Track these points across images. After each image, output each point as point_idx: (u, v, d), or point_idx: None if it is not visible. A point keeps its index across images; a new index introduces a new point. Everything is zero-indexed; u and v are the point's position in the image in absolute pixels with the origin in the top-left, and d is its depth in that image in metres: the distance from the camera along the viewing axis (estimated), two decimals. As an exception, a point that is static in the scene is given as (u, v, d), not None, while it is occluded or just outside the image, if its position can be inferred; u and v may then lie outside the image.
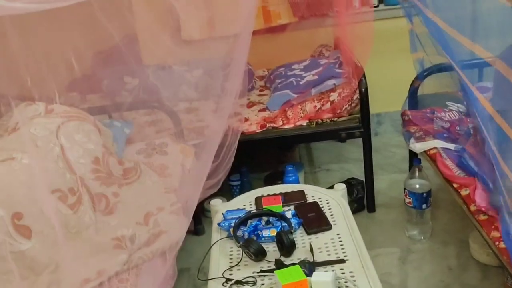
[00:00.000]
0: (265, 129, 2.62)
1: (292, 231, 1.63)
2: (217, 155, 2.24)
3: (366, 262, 1.50)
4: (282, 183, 2.70)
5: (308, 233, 1.66)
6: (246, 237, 1.63)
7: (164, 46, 2.92)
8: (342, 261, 1.52)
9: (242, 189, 2.85)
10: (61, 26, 2.45)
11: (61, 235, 1.60)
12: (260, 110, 2.77)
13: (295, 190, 1.94)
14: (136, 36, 2.93)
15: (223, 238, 1.69)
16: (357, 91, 2.56)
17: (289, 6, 3.26)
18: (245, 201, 1.92)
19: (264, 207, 1.80)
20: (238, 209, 1.82)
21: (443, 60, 1.95)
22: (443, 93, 2.44)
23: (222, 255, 1.62)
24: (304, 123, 2.63)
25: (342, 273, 1.46)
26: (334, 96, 2.61)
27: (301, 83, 2.73)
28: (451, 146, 2.11)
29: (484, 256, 2.14)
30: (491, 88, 1.83)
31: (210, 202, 1.94)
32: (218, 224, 1.74)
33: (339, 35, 3.11)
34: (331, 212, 1.78)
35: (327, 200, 1.86)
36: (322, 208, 1.80)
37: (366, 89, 2.51)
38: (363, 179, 2.76)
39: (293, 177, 2.65)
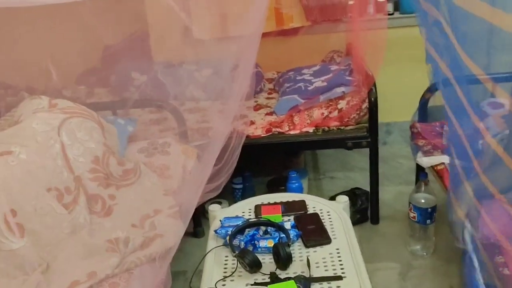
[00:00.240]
0: (270, 133, 2.58)
1: (290, 243, 1.59)
2: (220, 158, 2.20)
3: (364, 281, 1.46)
4: (285, 189, 2.67)
5: (307, 246, 1.62)
6: (242, 246, 1.59)
7: (174, 44, 2.89)
8: (339, 278, 1.47)
9: (244, 193, 2.82)
10: (74, 18, 2.43)
11: (54, 236, 1.58)
12: (266, 114, 2.72)
13: (296, 199, 1.89)
14: (147, 32, 2.91)
15: (218, 246, 1.65)
16: (366, 100, 2.51)
17: (302, 10, 3.21)
18: (244, 208, 1.88)
19: (263, 216, 1.76)
20: (237, 217, 1.78)
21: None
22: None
23: (217, 264, 1.58)
24: (311, 130, 2.58)
25: (339, 291, 1.41)
26: (342, 104, 2.56)
27: (309, 88, 2.69)
28: None
29: (487, 277, 2.08)
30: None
31: (209, 207, 1.91)
32: (215, 231, 1.70)
33: (351, 41, 3.06)
34: (331, 225, 1.73)
35: (328, 212, 1.81)
36: (323, 220, 1.75)
37: (376, 98, 2.46)
38: (368, 189, 2.71)
39: (296, 184, 2.61)
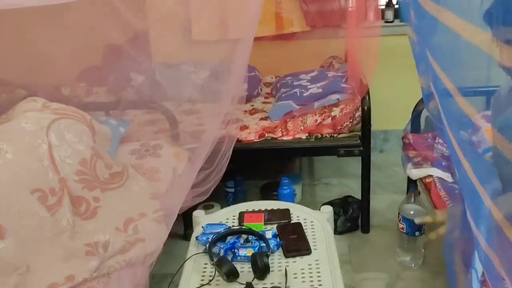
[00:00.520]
0: (263, 139, 2.58)
1: (269, 253, 1.59)
2: (211, 162, 2.20)
3: (340, 295, 1.45)
4: (278, 194, 2.67)
5: (286, 256, 1.62)
6: (222, 254, 1.59)
7: (174, 45, 2.90)
8: (315, 290, 1.47)
9: (236, 198, 2.82)
10: (75, 16, 2.43)
11: (36, 238, 1.58)
12: (261, 119, 2.72)
13: (280, 208, 1.89)
14: (146, 32, 2.92)
15: (198, 253, 1.65)
16: (360, 109, 2.50)
17: (302, 15, 3.21)
18: (228, 215, 1.88)
19: (245, 224, 1.75)
20: (220, 224, 1.78)
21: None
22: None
23: (195, 271, 1.58)
24: (304, 136, 2.57)
25: (313, 304, 1.41)
26: (336, 111, 2.55)
27: (304, 95, 2.68)
28: (447, 176, 2.04)
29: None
30: None
31: (193, 213, 1.91)
32: (196, 238, 1.70)
33: (349, 48, 3.05)
34: (313, 235, 1.73)
35: (311, 222, 1.80)
36: (305, 230, 1.74)
37: (369, 107, 2.45)
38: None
39: (288, 190, 2.61)
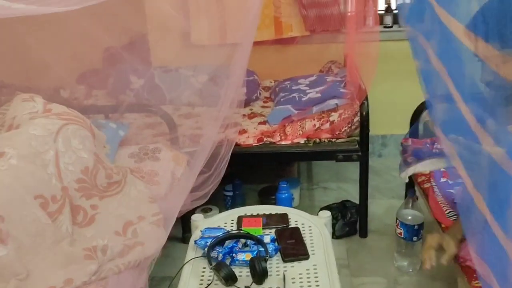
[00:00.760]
0: (261, 143, 2.58)
1: (267, 258, 1.59)
2: (209, 166, 2.21)
3: (337, 300, 1.46)
4: (276, 198, 2.67)
5: (284, 261, 1.62)
6: (220, 258, 1.60)
7: (173, 49, 2.90)
8: (313, 294, 1.47)
9: (234, 201, 2.82)
10: (74, 18, 2.44)
11: (37, 245, 1.58)
12: (260, 123, 2.73)
13: (278, 212, 1.89)
14: (146, 36, 2.93)
15: (197, 257, 1.65)
16: (358, 114, 2.51)
17: (301, 19, 3.22)
18: (227, 219, 1.89)
19: (243, 228, 1.76)
20: (218, 228, 1.78)
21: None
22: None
23: (193, 275, 1.59)
24: (302, 141, 2.58)
25: (311, 309, 1.41)
26: (334, 116, 2.56)
27: (303, 99, 2.69)
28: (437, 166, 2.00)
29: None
30: None
31: (192, 217, 1.91)
32: (195, 242, 1.71)
33: (347, 53, 3.06)
34: (311, 240, 1.73)
35: (309, 226, 1.81)
36: (303, 235, 1.75)
37: (368, 112, 2.46)
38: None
39: (286, 194, 2.62)
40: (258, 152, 2.57)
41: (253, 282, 1.51)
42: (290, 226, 1.81)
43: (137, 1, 2.87)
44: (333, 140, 2.56)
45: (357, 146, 2.53)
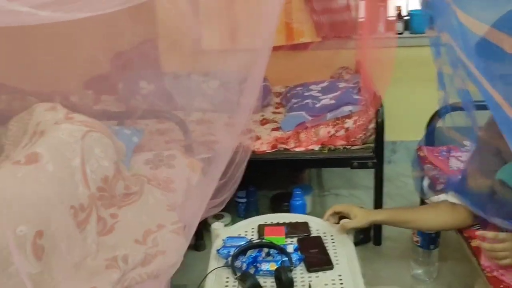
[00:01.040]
0: (276, 150, 2.58)
1: (292, 268, 1.58)
2: (225, 173, 2.19)
3: (365, 311, 1.44)
4: (289, 205, 2.66)
5: (309, 271, 1.61)
6: (244, 268, 1.58)
7: (184, 54, 2.89)
8: (340, 306, 1.46)
9: (248, 208, 2.81)
10: (83, 23, 2.43)
11: (67, 260, 1.53)
12: (273, 129, 2.72)
13: (299, 221, 1.88)
14: (156, 41, 2.91)
15: (220, 267, 1.64)
16: (373, 121, 2.50)
17: (312, 25, 3.22)
18: (247, 228, 1.87)
19: (266, 237, 1.74)
20: (240, 237, 1.77)
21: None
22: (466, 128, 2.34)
23: (217, 285, 1.57)
24: (316, 147, 2.57)
25: (339, 320, 1.40)
26: (349, 123, 2.55)
27: (317, 105, 2.68)
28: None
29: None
30: None
31: (212, 225, 1.90)
32: (217, 251, 1.69)
33: (361, 59, 3.05)
34: (334, 249, 1.72)
35: (332, 235, 1.80)
36: (326, 244, 1.74)
37: (383, 120, 2.45)
38: (371, 207, 2.70)
39: (300, 202, 2.60)
40: (272, 159, 2.56)
41: (278, 292, 1.50)
42: (312, 235, 1.79)
43: (147, 6, 2.86)
44: (348, 147, 2.55)
45: (372, 154, 2.52)
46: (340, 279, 1.57)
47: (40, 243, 1.42)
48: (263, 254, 1.65)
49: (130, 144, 2.35)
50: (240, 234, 1.82)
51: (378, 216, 1.88)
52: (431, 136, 2.45)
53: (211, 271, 1.63)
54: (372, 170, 2.62)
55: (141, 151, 2.43)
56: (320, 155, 2.55)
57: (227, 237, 1.75)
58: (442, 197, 1.93)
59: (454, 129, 2.13)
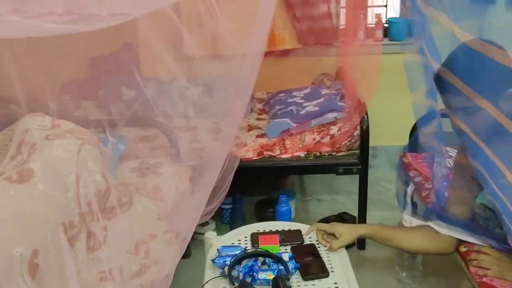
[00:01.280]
0: (262, 157, 2.59)
1: (289, 276, 1.59)
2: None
3: (364, 318, 1.47)
4: (274, 211, 2.68)
5: (305, 279, 1.62)
6: (241, 278, 1.59)
7: (165, 60, 2.87)
8: (338, 313, 1.48)
9: (233, 215, 2.81)
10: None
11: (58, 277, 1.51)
12: (257, 136, 2.73)
13: (291, 229, 1.90)
14: (136, 46, 2.89)
15: (217, 277, 1.64)
16: (358, 127, 2.54)
17: (294, 32, 3.24)
18: (240, 237, 1.88)
19: (260, 246, 1.75)
20: (234, 246, 1.77)
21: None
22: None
23: (215, 296, 1.57)
24: (302, 154, 2.60)
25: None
26: (334, 130, 2.58)
27: (301, 112, 2.71)
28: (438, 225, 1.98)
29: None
30: None
31: (205, 234, 1.89)
32: (212, 261, 1.69)
33: (343, 66, 3.10)
34: (328, 257, 1.74)
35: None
36: (319, 252, 1.76)
37: (368, 126, 2.49)
38: (355, 213, 2.74)
39: (286, 208, 2.63)
40: (258, 166, 2.57)
41: (277, 301, 1.51)
42: (305, 243, 1.81)
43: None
44: (333, 153, 2.59)
45: (357, 160, 2.56)
46: (336, 287, 1.59)
47: (35, 262, 1.40)
48: (259, 263, 1.66)
49: (117, 152, 2.33)
50: (233, 243, 1.82)
51: (362, 230, 1.88)
52: (415, 143, 2.50)
53: (208, 281, 1.63)
54: (353, 176, 2.67)
55: (126, 159, 2.40)
56: (306, 161, 2.58)
57: (222, 246, 1.75)
58: (415, 222, 1.97)
59: (436, 135, 2.18)
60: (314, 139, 2.59)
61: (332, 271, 1.66)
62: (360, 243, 2.68)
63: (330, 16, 3.22)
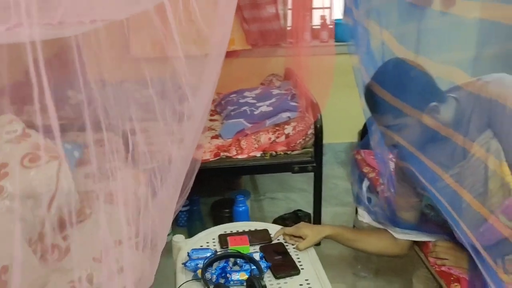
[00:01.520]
0: (218, 158, 2.59)
1: (263, 276, 1.62)
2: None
3: (338, 312, 1.52)
4: (230, 211, 2.69)
5: (277, 278, 1.65)
6: (214, 280, 1.60)
7: (110, 62, 2.80)
8: (313, 309, 1.52)
9: (191, 217, 2.80)
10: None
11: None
12: (212, 137, 2.73)
13: (258, 229, 1.92)
14: (79, 47, 2.80)
15: (189, 280, 1.64)
16: (312, 126, 2.60)
17: (243, 33, 3.27)
18: (208, 239, 1.88)
19: (230, 247, 1.77)
20: (204, 248, 1.78)
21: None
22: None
23: (190, 299, 1.57)
24: (258, 154, 2.63)
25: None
26: (289, 129, 2.63)
27: (255, 113, 2.74)
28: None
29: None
30: None
31: (173, 238, 1.88)
32: (184, 264, 1.69)
33: (291, 67, 3.16)
34: (297, 255, 1.78)
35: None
36: (288, 250, 1.80)
37: (321, 125, 2.56)
38: (309, 210, 2.80)
39: (243, 207, 2.65)
40: (215, 167, 2.57)
41: (253, 301, 1.53)
42: (273, 242, 1.84)
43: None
44: (289, 152, 2.64)
45: (311, 158, 2.62)
46: (308, 283, 1.63)
47: (4, 279, 1.36)
48: (231, 264, 1.68)
49: (72, 159, 2.27)
50: (202, 246, 1.82)
51: (326, 232, 1.94)
52: (368, 140, 2.59)
53: (182, 284, 1.62)
54: (305, 174, 2.73)
55: (81, 165, 2.34)
56: (262, 161, 2.61)
57: (192, 249, 1.75)
58: (367, 218, 2.06)
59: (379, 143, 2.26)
60: (270, 138, 2.63)
61: (302, 268, 1.70)
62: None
63: (277, 17, 3.27)
